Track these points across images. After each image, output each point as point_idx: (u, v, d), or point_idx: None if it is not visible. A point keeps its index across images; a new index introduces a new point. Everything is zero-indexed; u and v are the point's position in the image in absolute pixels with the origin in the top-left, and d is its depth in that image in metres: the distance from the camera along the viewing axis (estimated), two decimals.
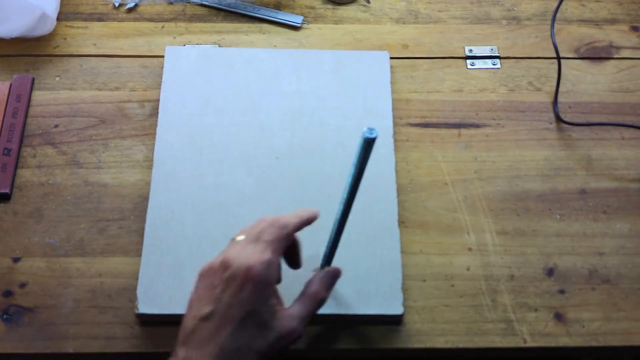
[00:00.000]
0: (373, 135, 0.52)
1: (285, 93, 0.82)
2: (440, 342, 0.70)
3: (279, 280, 0.63)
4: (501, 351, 0.70)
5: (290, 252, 0.65)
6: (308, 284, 0.64)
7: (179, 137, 0.78)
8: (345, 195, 0.60)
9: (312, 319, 0.63)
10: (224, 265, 0.58)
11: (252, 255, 0.58)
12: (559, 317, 0.72)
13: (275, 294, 0.60)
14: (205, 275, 0.60)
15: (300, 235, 0.65)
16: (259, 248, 0.59)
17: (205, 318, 0.57)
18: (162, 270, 0.71)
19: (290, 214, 0.63)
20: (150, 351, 0.69)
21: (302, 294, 0.64)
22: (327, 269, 0.66)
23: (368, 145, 0.53)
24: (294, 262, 0.66)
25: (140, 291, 0.69)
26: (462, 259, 0.74)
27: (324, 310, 0.68)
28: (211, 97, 0.81)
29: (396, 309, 0.70)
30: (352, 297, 0.70)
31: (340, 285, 0.70)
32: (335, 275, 0.66)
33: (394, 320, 0.70)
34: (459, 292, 0.72)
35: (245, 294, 0.57)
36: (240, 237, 0.61)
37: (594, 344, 0.70)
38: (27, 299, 0.71)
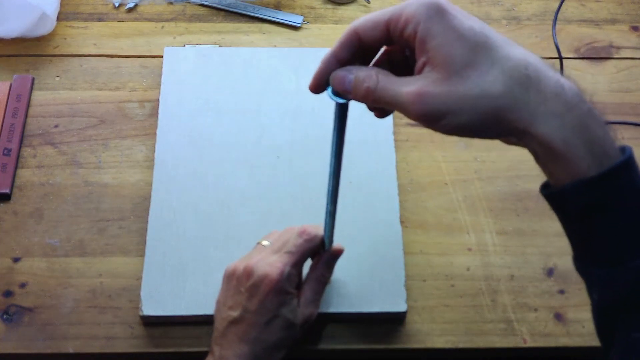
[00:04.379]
0: (342, 101, 0.52)
1: (285, 92, 0.82)
2: (440, 342, 0.70)
3: (299, 285, 0.66)
4: (501, 351, 0.70)
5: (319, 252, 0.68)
6: (313, 267, 0.67)
7: (180, 138, 0.78)
8: (331, 169, 0.59)
9: (317, 318, 0.67)
10: (247, 273, 0.62)
11: (273, 265, 0.62)
12: (558, 317, 0.72)
13: (295, 295, 0.64)
14: (230, 278, 0.64)
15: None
16: (281, 259, 0.63)
17: (234, 322, 0.62)
18: (165, 271, 0.71)
19: (318, 226, 0.65)
20: (151, 351, 0.69)
21: (309, 277, 0.67)
22: (329, 250, 0.67)
23: (342, 109, 0.53)
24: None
25: (144, 293, 0.69)
26: (462, 259, 0.74)
27: (328, 309, 0.69)
28: (211, 97, 0.81)
29: (400, 307, 0.70)
30: (355, 295, 0.70)
31: (343, 284, 0.70)
32: (337, 255, 0.68)
33: (398, 318, 0.70)
34: (459, 292, 0.72)
35: (268, 302, 0.62)
36: (266, 242, 0.66)
37: (593, 344, 0.70)
38: (27, 299, 0.71)
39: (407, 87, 0.48)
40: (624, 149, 0.47)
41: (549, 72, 0.47)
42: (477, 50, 0.46)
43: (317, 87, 0.52)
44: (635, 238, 0.47)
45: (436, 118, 0.47)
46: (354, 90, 0.50)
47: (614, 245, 0.48)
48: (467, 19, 0.47)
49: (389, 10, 0.49)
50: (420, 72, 0.48)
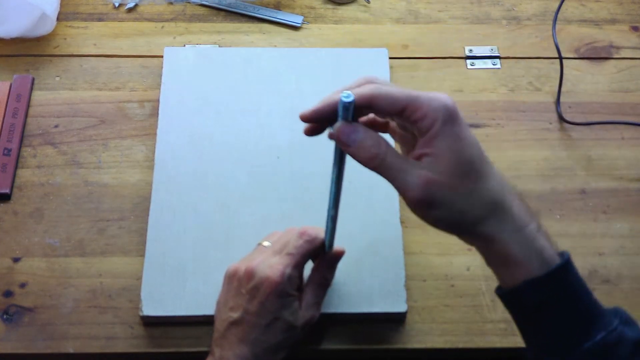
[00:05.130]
0: (350, 99, 0.53)
1: (285, 92, 0.82)
2: (440, 342, 0.70)
3: (300, 287, 0.66)
4: (501, 351, 0.70)
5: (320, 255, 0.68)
6: (315, 270, 0.67)
7: (180, 138, 0.78)
8: (334, 170, 0.59)
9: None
10: (248, 275, 0.63)
11: (274, 267, 0.62)
12: None
13: (296, 297, 0.64)
14: (231, 279, 0.64)
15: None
16: (282, 261, 0.63)
17: (235, 323, 0.62)
18: (166, 271, 0.71)
19: (318, 228, 0.65)
20: (151, 351, 0.69)
21: (311, 280, 0.67)
22: (330, 253, 0.67)
23: (346, 109, 0.54)
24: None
25: (144, 293, 0.69)
26: (462, 259, 0.74)
27: (328, 309, 0.69)
28: (211, 97, 0.81)
29: (400, 307, 0.70)
30: (356, 295, 0.70)
31: (343, 285, 0.70)
32: (338, 257, 0.68)
33: (398, 318, 0.70)
34: (459, 292, 0.72)
35: (269, 304, 0.62)
36: (267, 243, 0.66)
37: None
38: (27, 299, 0.71)
39: (415, 169, 0.53)
40: (562, 254, 0.56)
41: (512, 194, 0.55)
42: (474, 161, 0.54)
43: (311, 120, 0.56)
44: (581, 326, 0.55)
45: (431, 206, 0.53)
46: (357, 151, 0.54)
47: (564, 334, 0.55)
48: (468, 129, 0.54)
49: (411, 94, 0.53)
50: (418, 158, 0.54)
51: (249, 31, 0.89)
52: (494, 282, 0.73)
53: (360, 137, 0.54)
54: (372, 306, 0.70)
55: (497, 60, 0.87)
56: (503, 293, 0.57)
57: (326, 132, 0.56)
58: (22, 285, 0.72)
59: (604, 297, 0.72)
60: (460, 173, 0.53)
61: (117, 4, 0.90)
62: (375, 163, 0.54)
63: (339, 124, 0.54)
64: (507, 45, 0.89)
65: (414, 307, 0.71)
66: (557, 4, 0.89)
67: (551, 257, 0.54)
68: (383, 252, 0.72)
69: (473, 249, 0.74)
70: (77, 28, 0.88)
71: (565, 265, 0.54)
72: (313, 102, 0.80)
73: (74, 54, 0.86)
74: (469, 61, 0.87)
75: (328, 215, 0.63)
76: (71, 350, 0.69)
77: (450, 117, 0.53)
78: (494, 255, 0.55)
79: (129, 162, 0.79)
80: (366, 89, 0.54)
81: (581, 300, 0.55)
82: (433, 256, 0.74)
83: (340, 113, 0.54)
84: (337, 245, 0.67)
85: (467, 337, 0.70)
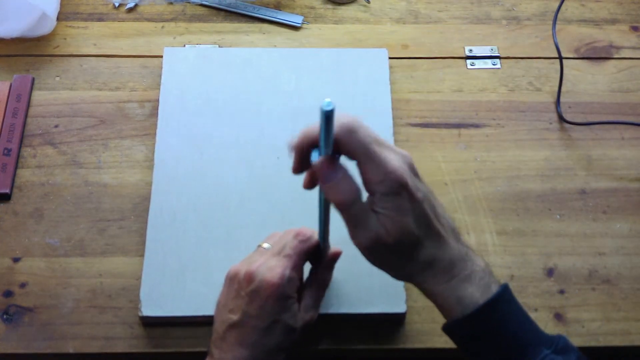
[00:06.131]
0: (330, 108, 0.53)
1: (285, 92, 0.82)
2: (440, 342, 0.70)
3: (300, 288, 0.66)
4: None
5: (317, 257, 0.67)
6: (312, 272, 0.67)
7: (180, 138, 0.78)
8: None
9: (317, 318, 0.66)
10: (248, 278, 0.62)
11: (273, 270, 0.62)
12: (558, 317, 0.72)
13: (296, 299, 0.64)
14: (232, 281, 0.64)
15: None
16: (281, 263, 0.63)
17: (234, 325, 0.62)
18: (165, 272, 0.71)
19: (314, 230, 0.66)
20: (151, 351, 0.69)
21: (309, 282, 0.67)
22: (327, 255, 0.67)
23: (327, 118, 0.54)
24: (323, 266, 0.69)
25: (143, 293, 0.69)
26: None
27: (328, 309, 0.69)
28: (211, 97, 0.81)
29: (400, 307, 0.70)
30: (355, 296, 0.70)
31: (343, 285, 0.70)
32: (335, 258, 0.68)
33: (397, 319, 0.70)
34: None
35: (268, 307, 0.62)
36: (266, 245, 0.66)
37: (593, 344, 0.70)
38: (27, 299, 0.71)
39: (370, 224, 0.56)
40: (502, 285, 0.59)
41: (448, 249, 0.58)
42: (413, 232, 0.56)
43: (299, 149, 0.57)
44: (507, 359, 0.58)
45: (373, 257, 0.58)
46: (331, 190, 0.56)
47: None
48: (411, 199, 0.56)
49: (368, 152, 0.55)
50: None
51: (249, 31, 0.89)
52: None
53: (338, 178, 0.56)
54: (372, 307, 0.70)
55: (497, 60, 0.87)
56: (443, 329, 0.61)
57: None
58: (22, 285, 0.72)
59: (604, 297, 0.73)
60: (400, 241, 0.56)
61: (117, 4, 0.90)
62: (342, 207, 0.56)
63: (322, 158, 0.55)
64: (507, 45, 0.89)
65: (414, 307, 0.71)
66: (557, 4, 0.89)
67: (475, 302, 0.58)
68: None
69: (473, 248, 0.74)
70: (77, 28, 0.88)
71: (485, 308, 0.57)
72: (313, 102, 0.80)
73: (74, 54, 0.86)
74: (469, 61, 0.87)
75: (320, 219, 0.63)
76: (71, 350, 0.69)
77: (392, 190, 0.55)
78: (428, 297, 0.60)
79: (129, 162, 0.79)
80: (339, 121, 0.54)
81: (508, 334, 0.58)
82: None
83: (321, 122, 0.54)
84: (338, 246, 0.67)
85: None
